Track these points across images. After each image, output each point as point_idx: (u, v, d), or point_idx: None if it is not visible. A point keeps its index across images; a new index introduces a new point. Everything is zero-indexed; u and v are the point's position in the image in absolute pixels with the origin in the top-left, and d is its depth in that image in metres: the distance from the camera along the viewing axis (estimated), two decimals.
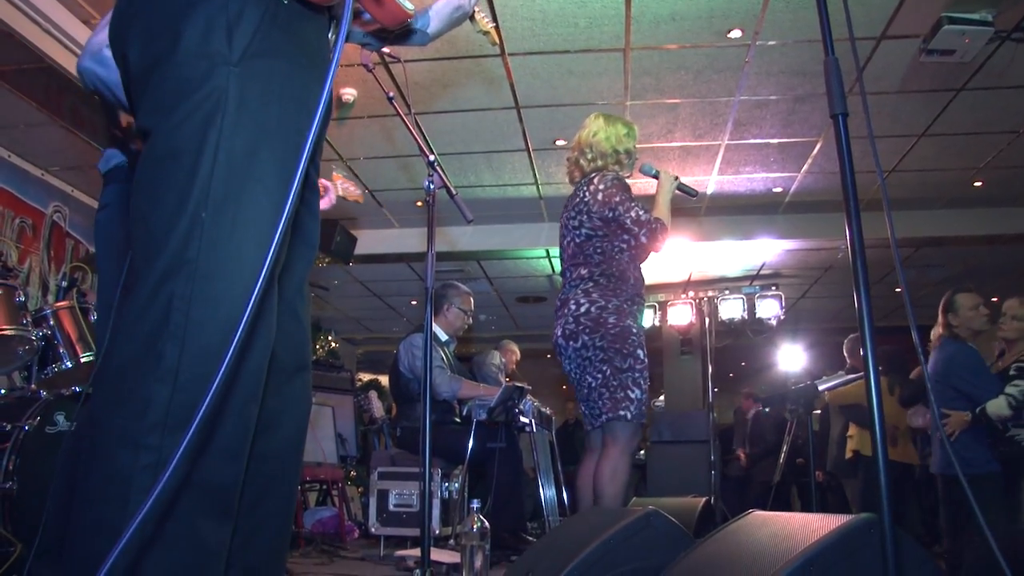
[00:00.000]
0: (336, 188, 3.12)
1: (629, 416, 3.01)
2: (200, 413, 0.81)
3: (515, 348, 6.52)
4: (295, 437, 1.39)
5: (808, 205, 7.20)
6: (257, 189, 1.17)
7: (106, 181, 2.22)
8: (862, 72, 4.73)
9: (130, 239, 1.19)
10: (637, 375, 3.04)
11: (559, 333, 3.17)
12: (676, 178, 3.34)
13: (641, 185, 5.53)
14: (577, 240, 3.20)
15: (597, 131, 3.29)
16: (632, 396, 3.02)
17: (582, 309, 3.08)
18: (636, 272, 3.19)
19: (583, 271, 3.16)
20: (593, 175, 3.22)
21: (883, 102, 5.24)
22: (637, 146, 3.38)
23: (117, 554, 0.78)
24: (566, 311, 3.14)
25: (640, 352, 3.07)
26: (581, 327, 3.08)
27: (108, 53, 1.78)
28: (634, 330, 3.08)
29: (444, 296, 4.84)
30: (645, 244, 3.12)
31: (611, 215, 3.10)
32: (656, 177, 3.33)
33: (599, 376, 3.06)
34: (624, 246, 3.15)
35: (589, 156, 3.27)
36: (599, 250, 3.14)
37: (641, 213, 3.10)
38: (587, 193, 3.17)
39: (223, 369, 0.84)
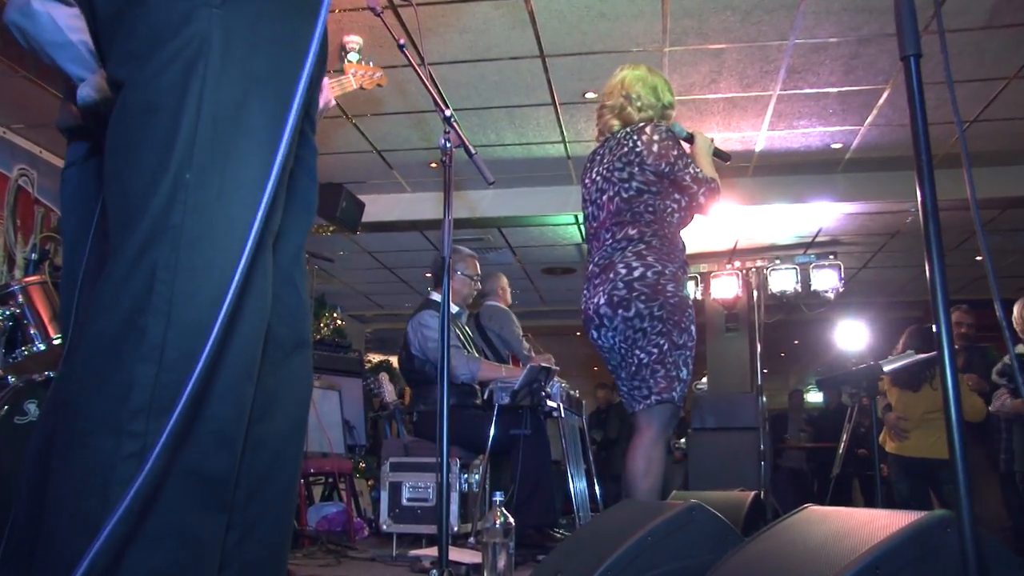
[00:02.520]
0: (349, 81, 3.06)
1: (677, 398, 3.01)
2: (186, 392, 0.81)
3: (506, 284, 6.28)
4: (295, 421, 1.38)
5: (872, 163, 7.09)
6: (247, 146, 1.16)
7: (70, 138, 2.18)
8: (940, 6, 4.60)
9: (103, 204, 1.18)
10: (688, 354, 3.05)
11: (602, 301, 3.08)
12: (711, 140, 3.34)
13: None
14: (625, 195, 3.13)
15: (642, 77, 3.27)
16: (682, 377, 3.02)
17: (635, 273, 3.02)
18: (681, 239, 3.19)
19: (631, 231, 3.10)
20: (643, 124, 3.17)
21: (965, 40, 5.09)
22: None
23: (95, 553, 0.77)
24: (612, 275, 3.07)
25: (694, 328, 3.09)
26: (635, 293, 3.00)
27: (37, 5, 1.73)
28: (691, 302, 3.11)
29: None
30: (702, 204, 3.14)
31: (668, 170, 3.08)
32: (689, 140, 3.30)
33: (654, 351, 3.01)
34: (675, 207, 3.15)
35: (638, 104, 3.24)
36: (651, 208, 3.11)
37: (698, 171, 3.11)
38: (639, 143, 3.11)
39: (210, 343, 0.83)
